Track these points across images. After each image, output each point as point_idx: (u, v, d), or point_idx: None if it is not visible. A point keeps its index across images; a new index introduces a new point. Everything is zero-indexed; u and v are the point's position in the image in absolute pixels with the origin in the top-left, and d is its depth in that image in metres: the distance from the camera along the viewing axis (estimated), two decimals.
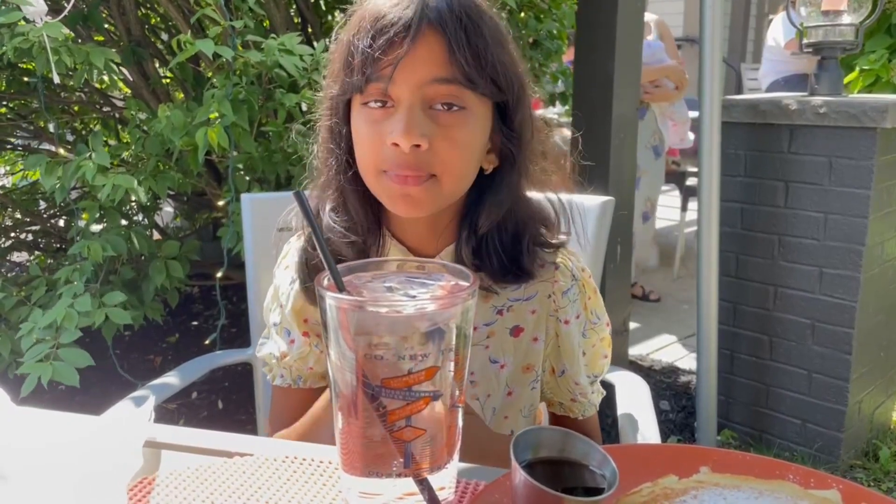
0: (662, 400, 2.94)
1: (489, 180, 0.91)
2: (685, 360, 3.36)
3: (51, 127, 2.21)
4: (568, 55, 3.31)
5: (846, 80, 3.47)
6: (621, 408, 1.24)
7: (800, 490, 0.62)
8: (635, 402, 1.24)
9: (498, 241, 0.92)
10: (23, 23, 1.79)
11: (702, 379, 2.46)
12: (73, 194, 2.51)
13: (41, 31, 1.75)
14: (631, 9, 2.43)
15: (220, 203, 2.23)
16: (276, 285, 1.03)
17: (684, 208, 4.50)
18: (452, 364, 0.57)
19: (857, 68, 3.58)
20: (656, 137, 3.99)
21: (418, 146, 0.81)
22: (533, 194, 0.97)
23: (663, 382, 3.12)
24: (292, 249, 1.01)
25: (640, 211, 3.98)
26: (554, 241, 0.98)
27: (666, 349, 3.51)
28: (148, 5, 2.69)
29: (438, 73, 0.81)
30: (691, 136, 4.33)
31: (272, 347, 1.03)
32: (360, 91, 0.84)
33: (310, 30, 2.55)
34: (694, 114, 3.76)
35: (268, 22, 2.39)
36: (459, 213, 0.93)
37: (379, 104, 0.84)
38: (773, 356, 2.53)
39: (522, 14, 3.05)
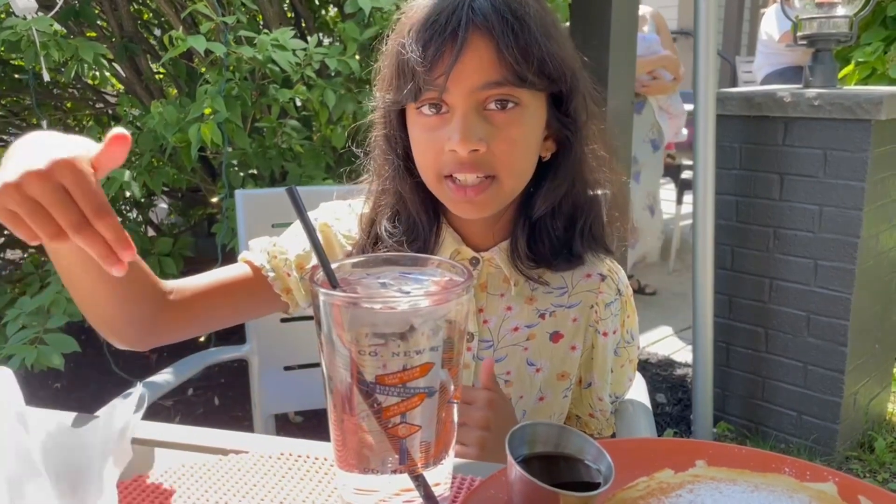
0: (659, 393, 2.95)
1: (547, 166, 0.92)
2: (681, 353, 3.36)
3: (43, 124, 2.20)
4: None
5: (842, 73, 3.46)
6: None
7: (796, 483, 0.62)
8: (632, 395, 1.23)
9: (551, 225, 0.93)
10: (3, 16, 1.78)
11: (698, 371, 2.47)
12: None
13: (29, 25, 1.74)
14: (625, 2, 2.43)
15: (215, 199, 2.22)
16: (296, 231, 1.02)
17: (679, 201, 4.50)
18: (447, 360, 0.57)
19: (853, 61, 3.57)
20: (654, 131, 3.98)
21: (476, 150, 0.82)
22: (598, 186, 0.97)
23: (659, 375, 3.13)
24: (351, 210, 1.02)
25: (646, 205, 3.98)
26: (605, 245, 0.99)
27: (662, 342, 3.51)
28: (140, 1, 2.67)
29: (490, 78, 0.82)
30: (685, 130, 4.32)
31: (280, 239, 1.00)
32: (413, 100, 0.85)
33: (303, 25, 2.53)
34: (689, 107, 3.76)
35: (261, 17, 2.37)
36: (517, 203, 0.94)
37: (433, 110, 0.85)
38: (769, 348, 2.54)
39: None
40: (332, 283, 0.58)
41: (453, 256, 0.96)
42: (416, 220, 0.94)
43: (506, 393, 0.98)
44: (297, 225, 1.02)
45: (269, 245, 0.99)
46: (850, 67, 3.55)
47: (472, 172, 0.84)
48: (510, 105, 0.84)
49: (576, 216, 0.95)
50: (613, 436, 1.11)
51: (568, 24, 2.74)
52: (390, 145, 0.92)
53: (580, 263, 0.96)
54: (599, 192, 0.98)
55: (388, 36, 0.91)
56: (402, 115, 0.91)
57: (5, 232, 2.90)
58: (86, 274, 0.79)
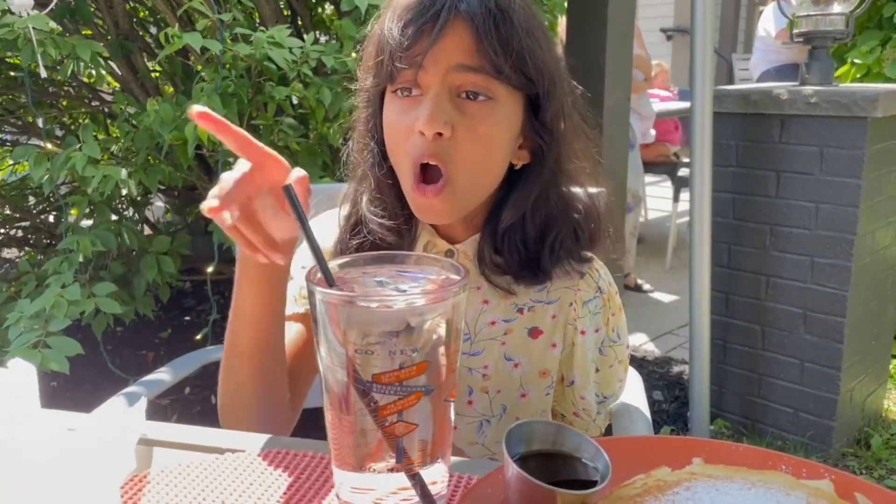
0: (655, 390, 2.95)
1: (518, 175, 0.91)
2: (678, 350, 3.37)
3: (39, 122, 2.19)
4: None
5: (838, 73, 3.47)
6: None
7: (792, 480, 0.62)
8: (628, 393, 1.24)
9: (521, 237, 0.92)
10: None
11: (695, 369, 2.47)
12: (63, 189, 2.49)
13: (26, 23, 1.74)
14: (622, 1, 2.42)
15: None
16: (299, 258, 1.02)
17: (676, 199, 4.50)
18: (444, 358, 0.57)
19: (849, 61, 3.58)
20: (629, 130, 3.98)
21: (440, 134, 0.81)
22: (577, 195, 0.96)
23: (656, 373, 3.13)
24: (331, 217, 1.01)
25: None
26: (582, 254, 0.97)
27: (659, 340, 3.52)
28: None
29: (466, 61, 0.82)
30: (652, 132, 4.33)
31: (294, 288, 1.01)
32: (391, 80, 0.85)
33: (299, 22, 2.53)
34: (685, 104, 3.77)
35: (257, 14, 2.37)
36: (488, 206, 0.93)
37: (407, 93, 0.85)
38: (766, 346, 2.54)
39: None
40: (329, 281, 0.58)
41: (427, 248, 0.95)
42: (390, 207, 0.93)
43: (483, 387, 0.97)
44: (302, 249, 1.03)
45: (297, 290, 1.00)
46: (847, 67, 3.55)
47: (432, 161, 0.82)
48: (482, 97, 0.83)
49: (546, 231, 0.93)
50: (609, 433, 1.11)
51: (565, 21, 2.74)
52: (369, 131, 0.92)
53: (546, 279, 0.94)
54: (584, 195, 0.97)
55: (373, 23, 0.91)
56: (381, 100, 0.90)
57: (1, 231, 2.90)
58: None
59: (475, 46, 0.81)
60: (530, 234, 0.92)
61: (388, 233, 0.92)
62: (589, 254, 0.99)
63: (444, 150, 0.82)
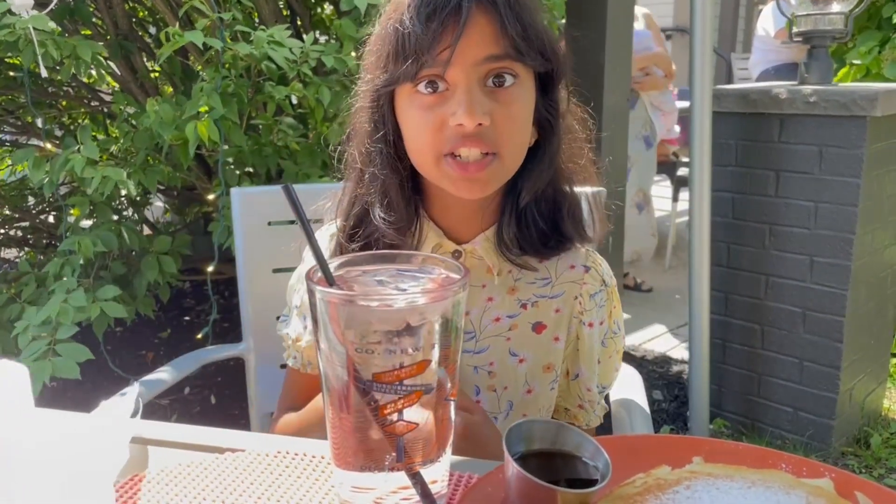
0: (655, 390, 2.95)
1: (530, 153, 0.93)
2: (677, 349, 3.37)
3: (38, 122, 2.19)
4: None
5: (838, 77, 3.47)
6: (614, 398, 1.24)
7: (792, 479, 0.62)
8: (628, 392, 1.24)
9: (537, 212, 0.94)
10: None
11: (694, 368, 2.47)
12: (63, 189, 2.49)
13: (27, 23, 1.73)
14: (621, 1, 2.43)
15: (211, 197, 2.22)
16: (302, 270, 1.03)
17: (675, 198, 4.50)
18: (444, 357, 0.57)
19: (848, 63, 3.58)
20: (647, 127, 3.99)
21: (481, 124, 0.83)
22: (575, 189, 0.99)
23: (656, 372, 3.13)
24: (324, 236, 1.02)
25: (634, 202, 3.99)
26: (586, 233, 1.00)
27: (658, 339, 3.51)
28: None
29: (492, 51, 0.83)
30: (677, 127, 4.34)
31: (289, 329, 1.03)
32: (411, 79, 0.84)
33: (299, 22, 2.53)
34: (685, 104, 3.77)
35: (256, 14, 2.37)
36: (503, 190, 0.94)
37: (430, 89, 0.84)
38: (765, 345, 2.54)
39: None
40: (329, 280, 0.58)
41: (435, 250, 0.96)
42: (396, 209, 0.92)
43: (490, 385, 0.98)
44: (298, 270, 1.04)
45: (288, 339, 1.03)
46: (846, 68, 3.55)
47: (477, 147, 0.83)
48: (509, 80, 0.84)
49: (559, 201, 0.96)
50: (606, 422, 1.11)
51: (564, 21, 2.74)
52: (378, 131, 0.91)
53: (570, 246, 0.97)
54: (577, 187, 0.99)
55: (378, 18, 0.91)
56: (391, 100, 0.90)
57: (0, 231, 2.90)
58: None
59: (498, 33, 0.82)
60: (545, 207, 0.95)
61: (394, 235, 0.92)
62: (588, 247, 1.01)
63: (485, 135, 0.84)
